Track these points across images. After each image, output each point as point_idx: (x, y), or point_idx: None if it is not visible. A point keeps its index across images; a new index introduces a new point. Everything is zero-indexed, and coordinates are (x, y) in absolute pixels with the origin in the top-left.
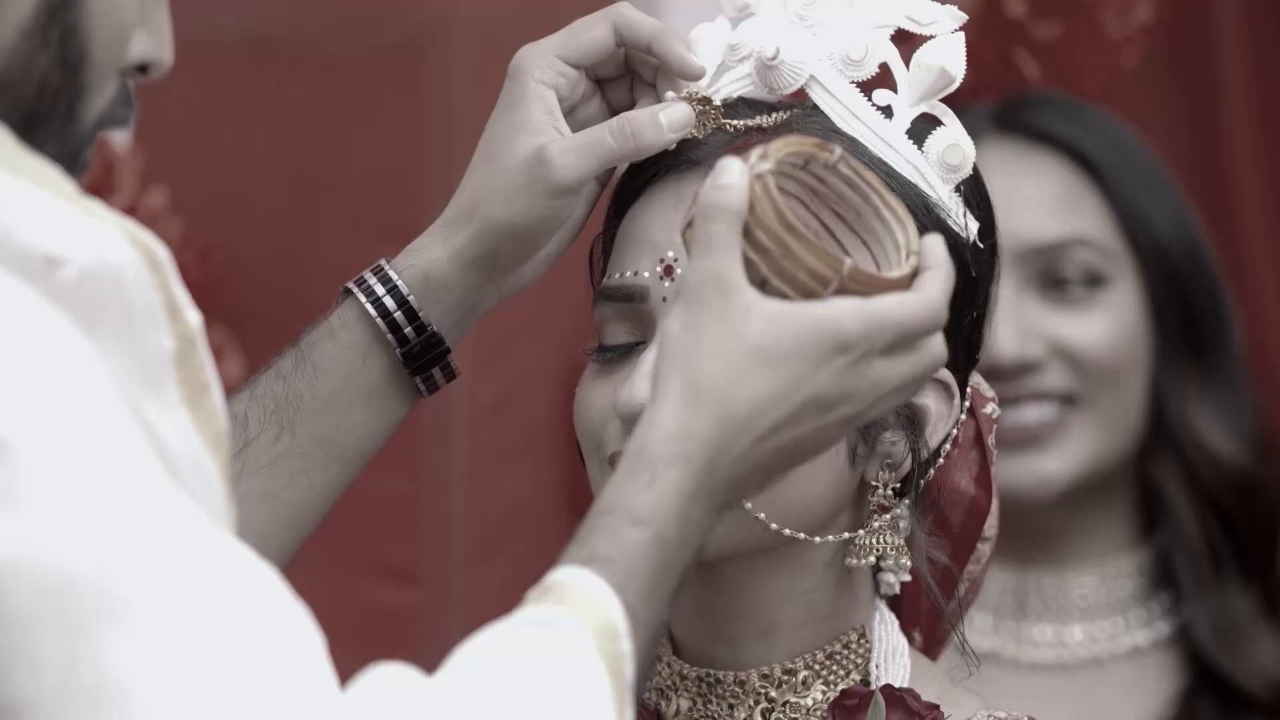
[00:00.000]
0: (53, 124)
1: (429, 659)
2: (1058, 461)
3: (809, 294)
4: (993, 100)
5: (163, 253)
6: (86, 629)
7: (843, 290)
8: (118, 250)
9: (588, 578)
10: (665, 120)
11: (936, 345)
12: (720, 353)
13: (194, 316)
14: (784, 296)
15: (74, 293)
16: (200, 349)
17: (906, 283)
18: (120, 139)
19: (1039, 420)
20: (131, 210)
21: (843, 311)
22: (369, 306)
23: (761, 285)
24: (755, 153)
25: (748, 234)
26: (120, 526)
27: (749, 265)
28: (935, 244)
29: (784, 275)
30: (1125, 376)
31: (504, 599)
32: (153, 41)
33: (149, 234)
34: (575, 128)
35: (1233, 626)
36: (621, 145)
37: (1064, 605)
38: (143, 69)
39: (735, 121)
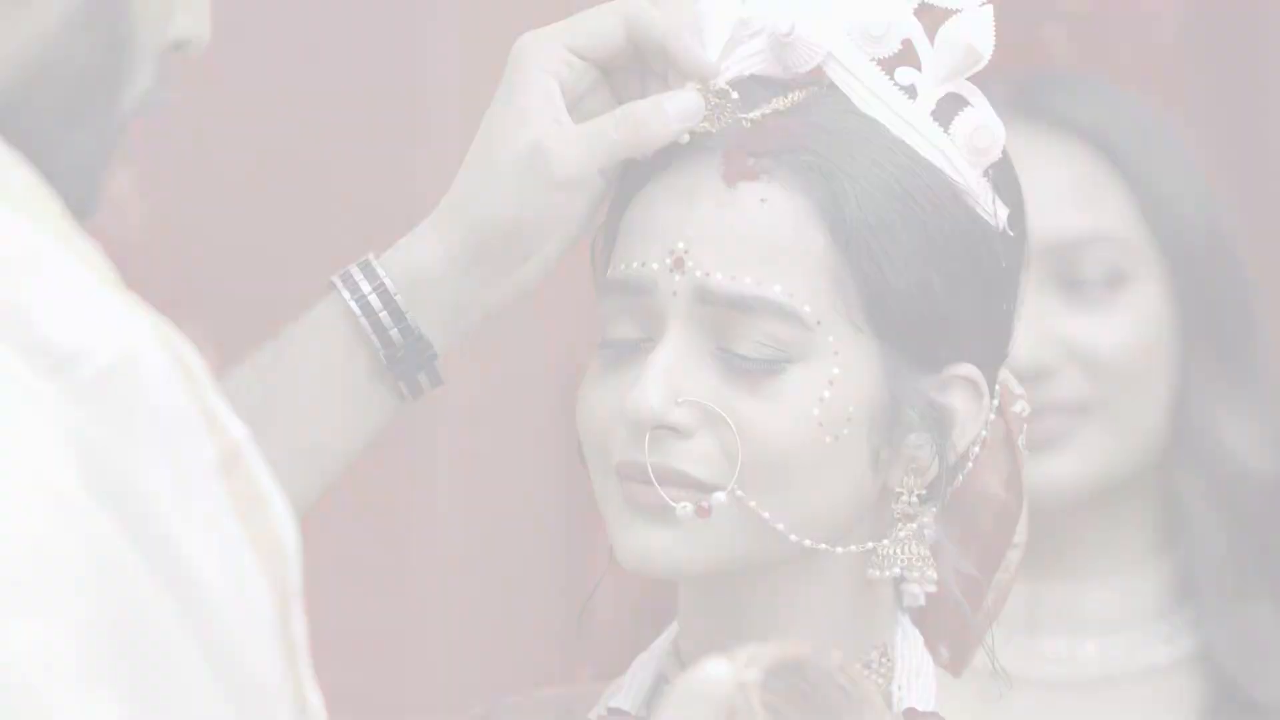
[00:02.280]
0: (95, 109)
1: (412, 671)
2: (1069, 466)
3: None
4: (1010, 80)
5: (196, 361)
6: None
7: None
8: (143, 349)
9: None
10: (673, 110)
11: None
12: None
13: (239, 429)
14: None
15: (94, 392)
16: (250, 460)
17: None
18: None
19: (1050, 426)
20: None
21: None
22: (352, 304)
23: None
24: (743, 656)
25: None
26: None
27: None
28: None
29: None
30: (1146, 380)
31: (491, 609)
32: (190, 18)
33: (184, 340)
34: (579, 119)
35: (1258, 645)
36: (625, 137)
37: (1077, 618)
38: (178, 46)
39: (750, 115)
